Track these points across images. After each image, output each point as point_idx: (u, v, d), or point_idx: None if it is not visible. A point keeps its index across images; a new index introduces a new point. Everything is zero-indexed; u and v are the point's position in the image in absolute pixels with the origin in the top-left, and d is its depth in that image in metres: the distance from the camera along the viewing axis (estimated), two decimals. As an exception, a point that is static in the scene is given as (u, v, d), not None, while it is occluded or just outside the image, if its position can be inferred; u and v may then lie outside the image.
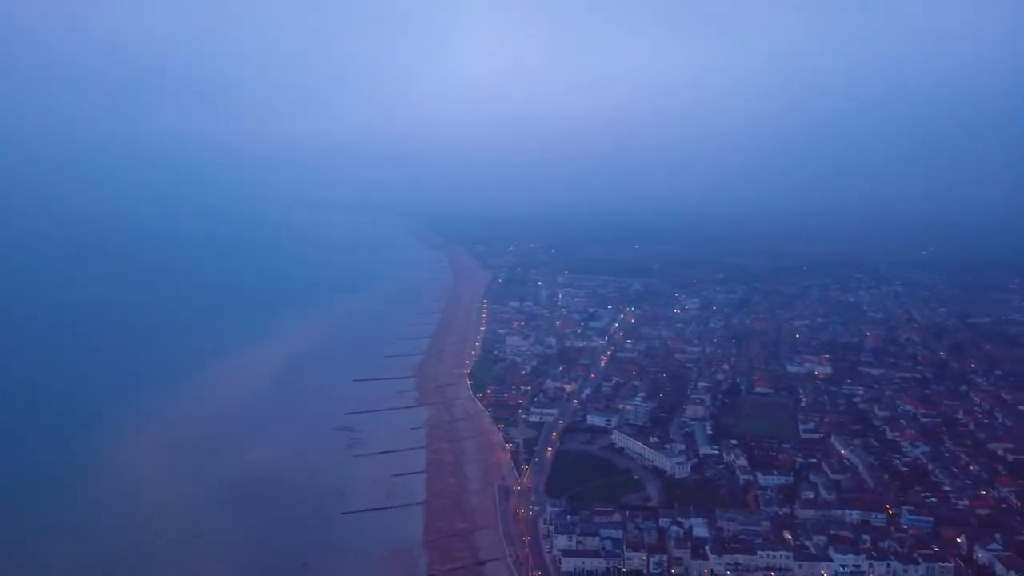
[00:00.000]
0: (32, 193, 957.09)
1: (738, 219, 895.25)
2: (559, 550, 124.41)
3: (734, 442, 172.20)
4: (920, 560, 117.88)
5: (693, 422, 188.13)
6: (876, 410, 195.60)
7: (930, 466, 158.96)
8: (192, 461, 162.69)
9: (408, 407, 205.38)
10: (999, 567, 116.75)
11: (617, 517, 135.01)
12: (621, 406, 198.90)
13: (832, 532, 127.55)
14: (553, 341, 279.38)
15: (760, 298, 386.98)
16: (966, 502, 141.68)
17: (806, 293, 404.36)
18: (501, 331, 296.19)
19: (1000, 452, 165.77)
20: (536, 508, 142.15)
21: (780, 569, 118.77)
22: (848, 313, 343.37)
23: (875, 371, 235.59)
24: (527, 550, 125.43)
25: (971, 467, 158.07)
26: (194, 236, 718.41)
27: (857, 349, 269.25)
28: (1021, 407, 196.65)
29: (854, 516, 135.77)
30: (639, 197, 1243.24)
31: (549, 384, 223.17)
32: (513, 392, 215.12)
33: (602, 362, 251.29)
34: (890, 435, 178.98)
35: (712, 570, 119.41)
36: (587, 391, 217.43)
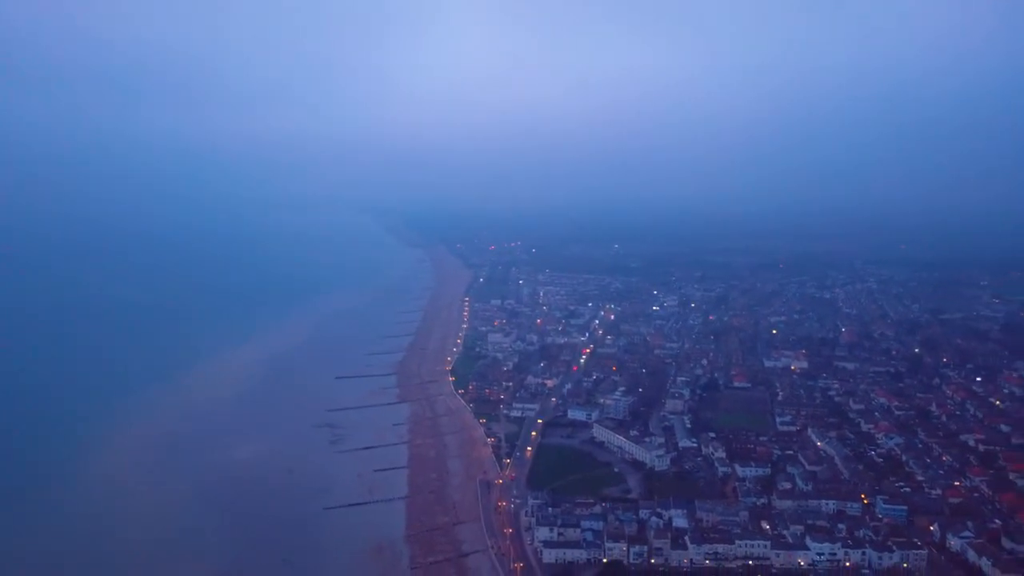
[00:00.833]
0: (13, 190, 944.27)
1: (727, 219, 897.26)
2: (540, 542, 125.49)
3: (712, 435, 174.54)
4: (895, 548, 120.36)
5: (672, 416, 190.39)
6: (851, 403, 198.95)
7: (904, 457, 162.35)
8: (174, 458, 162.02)
9: (390, 404, 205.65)
10: (971, 554, 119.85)
11: (598, 509, 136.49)
12: (601, 401, 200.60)
13: (809, 522, 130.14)
14: (534, 338, 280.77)
15: (738, 295, 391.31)
16: (939, 491, 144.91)
17: (783, 290, 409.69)
18: (483, 328, 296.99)
19: (971, 443, 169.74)
20: (518, 501, 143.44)
21: (758, 558, 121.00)
22: (823, 309, 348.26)
23: (850, 365, 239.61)
24: (509, 542, 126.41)
25: (943, 458, 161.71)
26: (179, 234, 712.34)
27: (832, 344, 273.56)
28: (992, 399, 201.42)
29: (830, 506, 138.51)
30: (630, 198, 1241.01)
31: (530, 380, 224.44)
32: (495, 388, 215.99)
33: (583, 358, 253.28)
34: (865, 427, 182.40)
35: (692, 559, 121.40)
36: (568, 386, 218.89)
